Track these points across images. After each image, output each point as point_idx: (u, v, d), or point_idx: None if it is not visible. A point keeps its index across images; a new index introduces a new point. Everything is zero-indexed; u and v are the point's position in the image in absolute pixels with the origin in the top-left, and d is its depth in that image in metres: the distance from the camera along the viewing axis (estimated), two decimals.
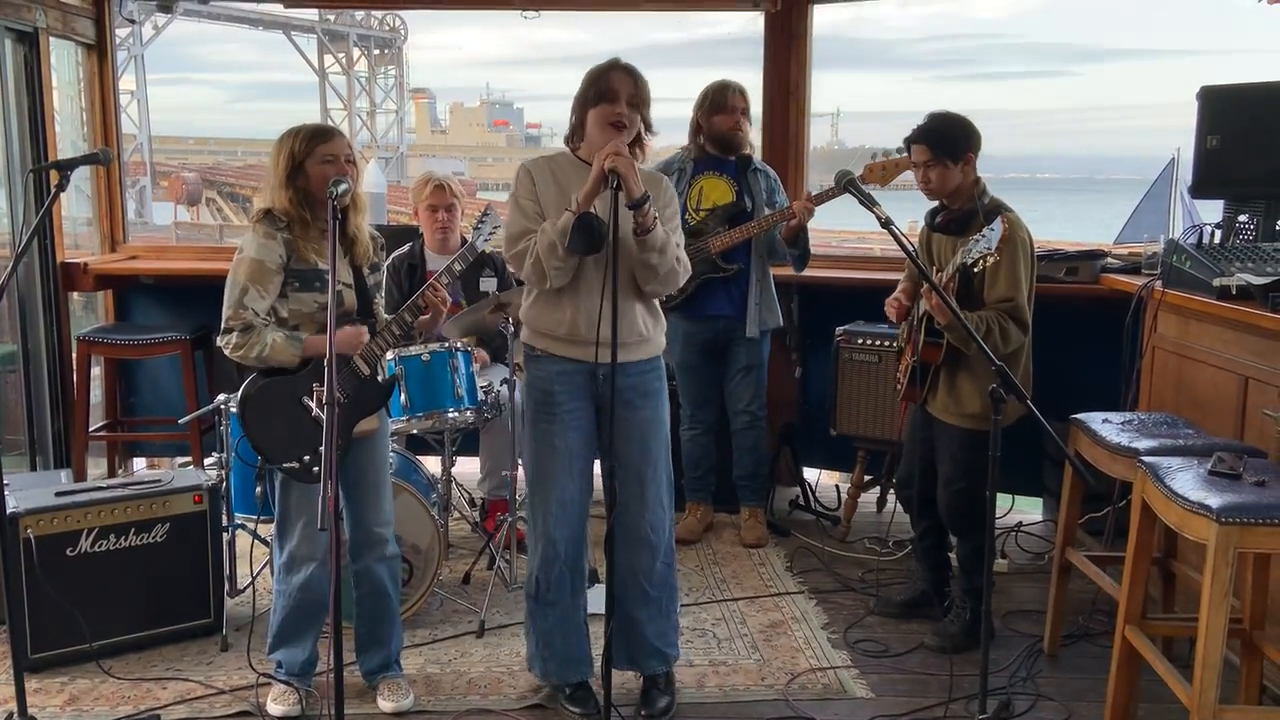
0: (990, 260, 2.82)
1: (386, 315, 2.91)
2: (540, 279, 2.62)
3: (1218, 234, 3.50)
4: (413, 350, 3.49)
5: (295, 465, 2.71)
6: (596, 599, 2.75)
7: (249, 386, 2.72)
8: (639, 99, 2.65)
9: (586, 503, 2.84)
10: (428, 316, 2.88)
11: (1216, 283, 3.02)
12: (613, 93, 2.62)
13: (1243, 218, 3.47)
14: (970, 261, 2.83)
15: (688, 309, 3.98)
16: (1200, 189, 3.60)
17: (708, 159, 4.02)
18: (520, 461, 3.24)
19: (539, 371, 2.75)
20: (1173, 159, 4.19)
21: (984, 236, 2.79)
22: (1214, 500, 2.24)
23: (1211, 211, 3.66)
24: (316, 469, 2.69)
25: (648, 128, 2.71)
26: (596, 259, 2.58)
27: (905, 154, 3.55)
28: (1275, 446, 2.73)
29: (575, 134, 2.73)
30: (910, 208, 4.45)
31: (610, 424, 2.51)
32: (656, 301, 2.80)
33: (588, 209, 2.55)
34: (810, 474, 4.75)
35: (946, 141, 3.10)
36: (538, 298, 2.72)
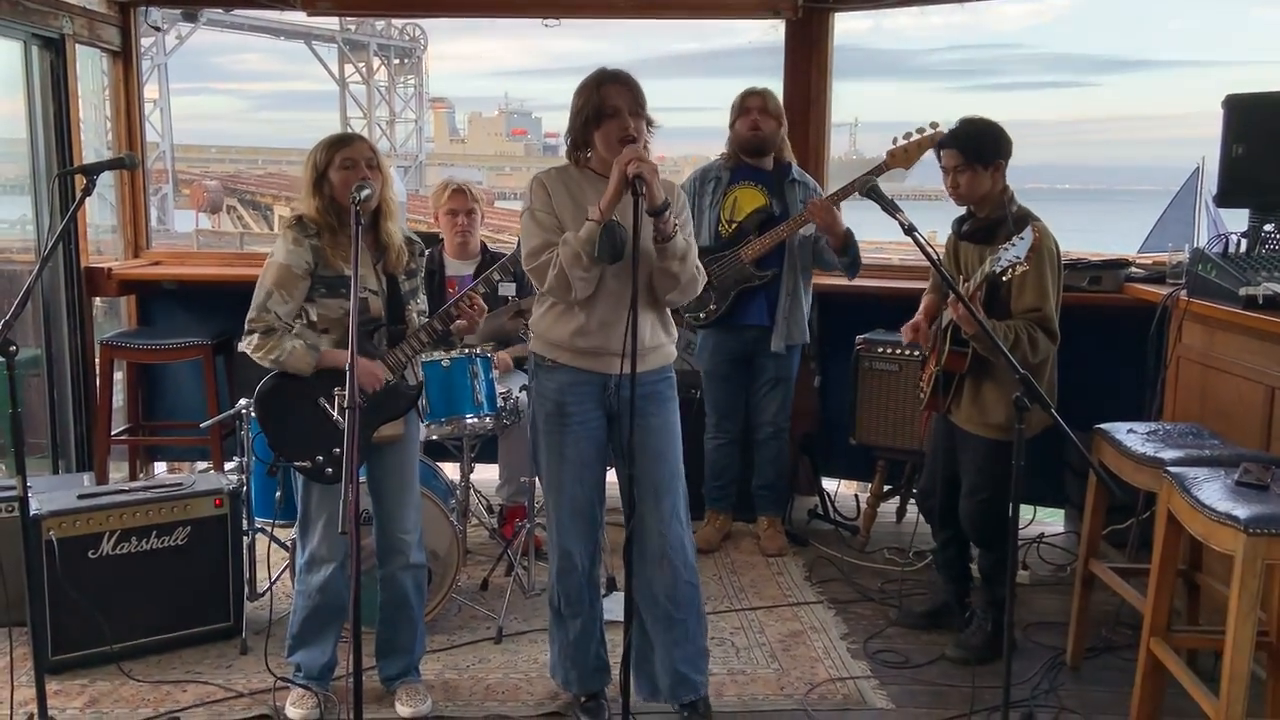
0: (1020, 269, 2.79)
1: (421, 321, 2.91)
2: (565, 291, 2.54)
3: (1243, 243, 3.46)
4: (434, 356, 3.49)
5: (307, 464, 2.72)
6: (614, 606, 2.74)
7: (266, 383, 2.75)
8: (638, 105, 2.57)
9: (600, 513, 2.80)
10: (464, 323, 2.87)
11: (1242, 292, 2.99)
12: (614, 109, 2.53)
13: (1269, 226, 3.44)
14: (999, 270, 2.79)
15: (725, 319, 3.95)
16: (1226, 198, 3.57)
17: (743, 168, 3.99)
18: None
19: (550, 382, 2.68)
20: (1197, 168, 4.16)
21: (1013, 245, 2.76)
22: (1241, 511, 2.22)
23: (1237, 220, 3.63)
24: (330, 470, 2.71)
25: (650, 125, 2.61)
26: (614, 269, 2.53)
27: (926, 132, 3.53)
28: None
29: (579, 150, 2.65)
30: (931, 217, 4.43)
31: (630, 434, 2.46)
32: (669, 310, 2.76)
33: (610, 217, 2.49)
34: (829, 483, 4.73)
35: (977, 147, 3.08)
36: (551, 307, 2.66)
